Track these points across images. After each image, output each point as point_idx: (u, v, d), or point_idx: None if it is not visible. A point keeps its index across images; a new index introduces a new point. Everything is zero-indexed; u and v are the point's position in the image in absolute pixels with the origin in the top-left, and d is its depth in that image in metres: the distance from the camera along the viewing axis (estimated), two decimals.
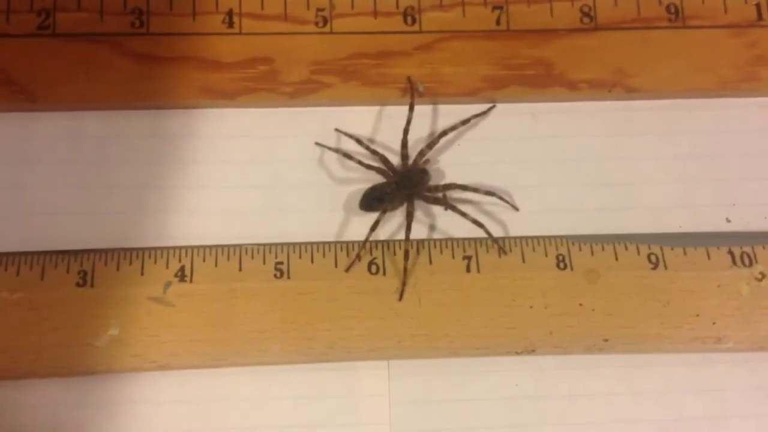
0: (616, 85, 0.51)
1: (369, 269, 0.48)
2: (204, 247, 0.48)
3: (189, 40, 0.50)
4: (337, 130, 0.51)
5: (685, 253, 0.49)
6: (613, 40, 0.52)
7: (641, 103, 0.52)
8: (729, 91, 0.52)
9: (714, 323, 0.47)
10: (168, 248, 0.47)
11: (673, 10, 0.52)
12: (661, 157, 0.51)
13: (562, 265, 0.48)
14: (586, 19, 0.52)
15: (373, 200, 0.48)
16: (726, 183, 0.51)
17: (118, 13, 0.50)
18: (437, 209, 0.50)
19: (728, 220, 0.50)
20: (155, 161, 0.50)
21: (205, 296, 0.46)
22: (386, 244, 0.48)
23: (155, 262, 0.47)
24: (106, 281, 0.46)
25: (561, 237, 0.49)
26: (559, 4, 0.52)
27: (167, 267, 0.47)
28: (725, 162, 0.51)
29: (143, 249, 0.47)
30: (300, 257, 0.48)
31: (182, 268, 0.47)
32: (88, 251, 0.47)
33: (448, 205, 0.49)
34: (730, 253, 0.49)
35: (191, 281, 0.47)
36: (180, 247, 0.47)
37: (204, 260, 0.47)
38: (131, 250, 0.47)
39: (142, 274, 0.47)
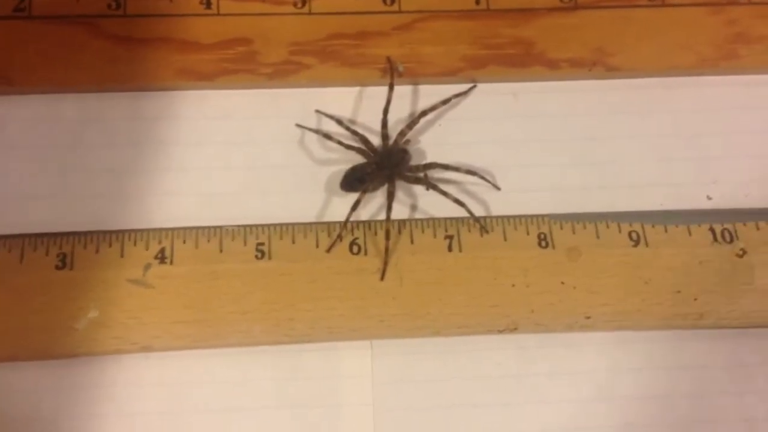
0: (597, 64, 0.51)
1: (350, 249, 0.48)
2: (184, 228, 0.47)
3: (166, 22, 0.50)
4: (317, 111, 0.51)
5: (666, 231, 0.49)
6: (594, 18, 0.52)
7: (621, 81, 0.52)
8: (708, 69, 0.52)
9: (695, 300, 0.47)
10: (148, 230, 0.47)
11: None
12: (642, 135, 0.51)
13: (543, 243, 0.48)
14: None
15: (354, 180, 0.48)
16: (706, 161, 0.51)
17: None
18: (418, 189, 0.50)
19: (709, 198, 0.51)
20: (134, 144, 0.49)
21: (186, 278, 0.46)
22: (367, 224, 0.48)
23: (135, 244, 0.47)
24: (85, 264, 0.46)
25: (543, 216, 0.49)
26: None
27: (147, 249, 0.47)
28: (705, 140, 0.52)
29: (123, 231, 0.47)
30: (281, 238, 0.47)
31: (162, 250, 0.47)
32: (68, 234, 0.47)
33: (429, 185, 0.49)
34: (711, 230, 0.49)
35: (171, 263, 0.46)
36: (160, 229, 0.47)
37: (184, 242, 0.47)
38: (111, 232, 0.47)
39: (122, 256, 0.46)
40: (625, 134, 0.51)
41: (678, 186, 0.51)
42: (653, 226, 0.49)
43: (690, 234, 0.49)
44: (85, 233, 0.47)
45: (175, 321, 0.45)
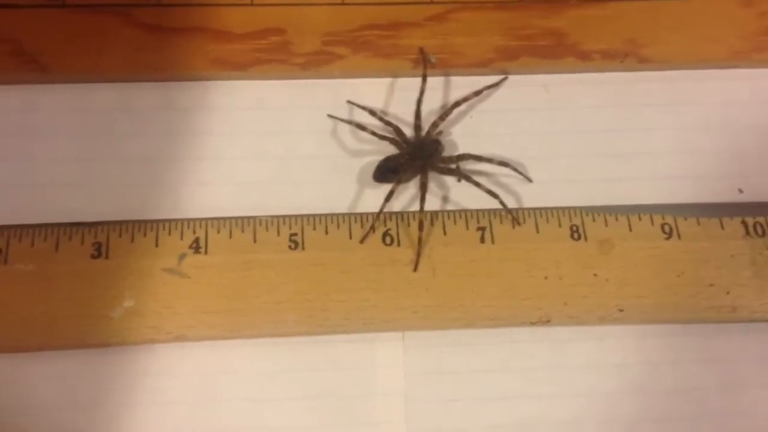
0: (629, 55, 0.51)
1: (383, 240, 0.47)
2: (218, 219, 0.47)
3: (200, 11, 0.50)
4: (349, 101, 0.50)
5: (698, 224, 0.48)
6: (626, 10, 0.52)
7: (653, 73, 0.52)
8: (740, 61, 0.52)
9: (728, 293, 0.47)
10: (182, 220, 0.47)
11: None
12: (673, 127, 0.51)
13: (576, 235, 0.48)
14: None
15: (387, 171, 0.48)
16: (738, 154, 0.51)
17: None
18: (450, 181, 0.50)
19: (741, 191, 0.50)
20: (167, 133, 0.49)
21: (220, 268, 0.46)
22: (400, 215, 0.48)
23: (169, 234, 0.47)
24: (120, 253, 0.46)
25: (574, 207, 0.49)
26: None
27: (182, 239, 0.47)
28: (737, 133, 0.51)
29: (157, 221, 0.47)
30: (314, 229, 0.47)
31: (197, 240, 0.47)
32: (103, 223, 0.47)
33: (462, 176, 0.48)
34: (743, 223, 0.49)
35: (206, 253, 0.46)
36: (194, 219, 0.47)
37: (218, 232, 0.47)
38: (145, 222, 0.47)
39: (156, 245, 0.46)
40: (657, 126, 0.51)
41: (710, 179, 0.50)
42: (686, 219, 0.49)
43: (722, 227, 0.49)
44: (120, 222, 0.47)
45: (209, 311, 0.45)
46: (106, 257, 0.46)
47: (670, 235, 0.48)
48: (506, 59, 0.51)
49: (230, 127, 0.50)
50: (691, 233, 0.48)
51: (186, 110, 0.50)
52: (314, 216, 0.48)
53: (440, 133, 0.50)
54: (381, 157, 0.49)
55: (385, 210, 0.47)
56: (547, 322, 0.47)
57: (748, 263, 0.48)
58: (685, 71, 0.52)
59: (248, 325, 0.46)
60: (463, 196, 0.49)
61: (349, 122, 0.50)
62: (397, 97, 0.51)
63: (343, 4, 0.51)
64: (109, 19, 0.49)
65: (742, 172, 0.51)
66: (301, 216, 0.48)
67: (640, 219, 0.49)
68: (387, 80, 0.51)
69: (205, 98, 0.50)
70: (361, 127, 0.49)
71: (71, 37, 0.49)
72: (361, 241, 0.47)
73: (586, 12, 0.51)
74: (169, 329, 0.45)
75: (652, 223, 0.49)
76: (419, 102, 0.49)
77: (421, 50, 0.50)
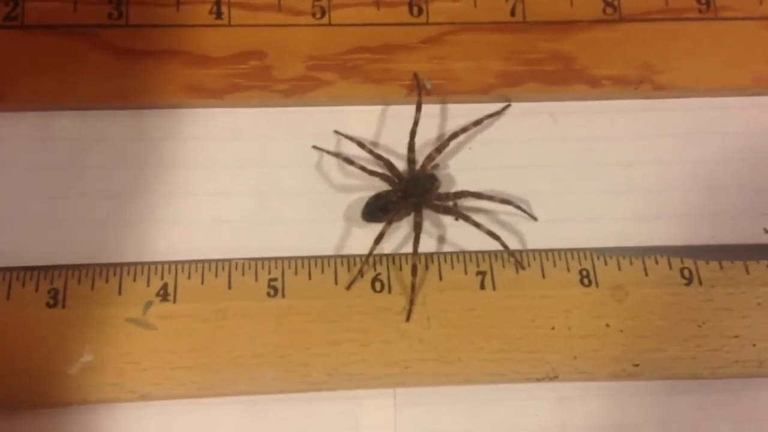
0: (643, 81, 0.49)
1: (372, 286, 0.45)
2: (189, 262, 0.45)
3: (172, 33, 0.48)
4: (336, 131, 0.48)
5: (721, 267, 0.46)
6: (639, 32, 0.50)
7: (670, 101, 0.50)
8: (764, 89, 0.50)
9: (754, 345, 0.45)
10: (149, 264, 0.45)
11: (704, 0, 0.50)
12: (693, 160, 0.49)
13: (586, 281, 0.46)
14: (609, 10, 0.50)
15: (377, 210, 0.46)
16: (763, 189, 0.49)
17: (93, 3, 0.48)
18: (447, 219, 0.47)
19: (766, 231, 0.48)
20: (135, 166, 0.47)
21: (190, 317, 0.44)
22: (392, 258, 0.46)
23: (134, 280, 0.44)
24: (79, 301, 0.44)
25: (584, 249, 0.47)
26: None
27: (148, 285, 0.44)
28: (762, 166, 0.49)
29: (121, 264, 0.45)
30: (296, 273, 0.45)
31: (165, 286, 0.44)
32: (60, 267, 0.45)
33: (460, 215, 0.46)
34: None
35: (175, 301, 0.44)
36: (162, 263, 0.45)
37: (189, 277, 0.45)
38: (108, 266, 0.45)
39: (119, 293, 0.44)
40: (674, 159, 0.49)
41: (733, 217, 0.48)
42: (707, 263, 0.46)
43: (747, 271, 0.46)
44: (80, 267, 0.45)
45: (178, 366, 0.43)
46: (63, 306, 0.44)
47: (690, 281, 0.46)
48: (509, 85, 0.49)
49: (205, 159, 0.48)
50: (713, 278, 0.46)
51: (156, 140, 0.48)
52: (296, 259, 0.46)
53: (436, 166, 0.48)
54: (371, 194, 0.47)
55: (374, 252, 0.45)
56: (554, 377, 0.44)
57: None
58: (705, 99, 0.50)
59: (221, 382, 0.43)
60: (462, 235, 0.47)
61: (336, 155, 0.48)
62: (389, 126, 0.49)
63: (329, 25, 0.49)
64: (74, 41, 0.47)
65: (767, 209, 0.48)
66: (282, 259, 0.46)
67: (656, 262, 0.46)
68: (378, 108, 0.49)
69: (178, 127, 0.48)
70: (349, 161, 0.47)
71: (32, 61, 0.47)
72: (348, 288, 0.45)
73: (596, 34, 0.49)
74: (133, 387, 0.43)
75: (670, 267, 0.46)
76: (413, 133, 0.47)
77: (416, 75, 0.48)
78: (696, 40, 0.49)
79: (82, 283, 0.44)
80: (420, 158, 0.47)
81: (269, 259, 0.45)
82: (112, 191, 0.46)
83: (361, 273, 0.45)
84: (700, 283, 0.46)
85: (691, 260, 0.46)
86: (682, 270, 0.46)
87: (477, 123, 0.48)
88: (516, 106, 0.49)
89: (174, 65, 0.47)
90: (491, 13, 0.49)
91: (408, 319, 0.44)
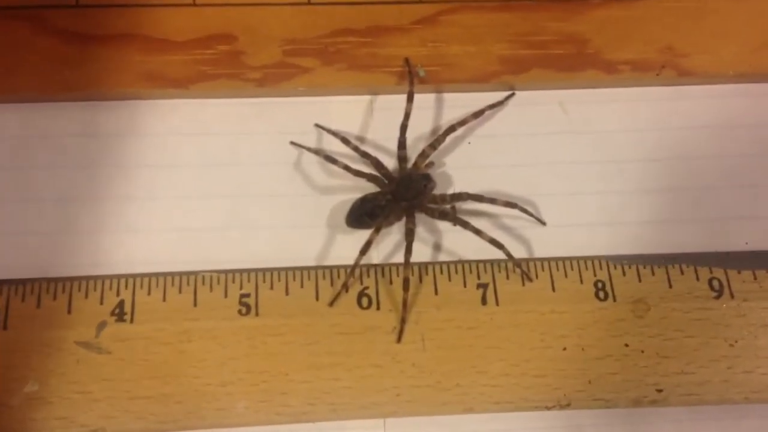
0: (666, 66, 0.47)
1: (359, 302, 0.43)
2: (149, 275, 0.43)
3: (129, 13, 0.46)
4: (317, 125, 0.47)
5: (755, 278, 0.45)
6: (662, 9, 0.48)
7: (697, 89, 0.48)
8: None
9: None
10: (103, 278, 0.43)
11: None
12: (723, 155, 0.47)
13: (602, 294, 0.44)
14: None
15: (364, 215, 0.44)
16: None
17: None
18: (444, 224, 0.46)
19: None
20: (88, 166, 0.45)
21: (150, 340, 0.42)
22: (380, 269, 0.44)
23: (86, 297, 0.43)
24: (22, 322, 0.42)
25: (600, 258, 0.45)
26: None
27: (101, 303, 0.42)
28: None
29: (71, 279, 0.43)
30: (271, 288, 0.43)
31: (121, 304, 0.42)
32: (1, 282, 0.43)
33: (458, 221, 0.44)
34: None
35: (132, 321, 0.42)
36: (119, 277, 0.43)
37: (149, 293, 0.43)
38: (56, 280, 0.43)
39: (69, 312, 0.42)
40: (702, 154, 0.47)
41: (767, 220, 0.46)
42: (739, 272, 0.45)
43: None
44: (24, 282, 0.43)
45: (135, 396, 0.41)
46: (4, 327, 0.42)
47: (720, 293, 0.44)
48: (513, 72, 0.47)
49: (167, 157, 0.46)
50: (746, 290, 0.44)
51: (112, 136, 0.46)
52: (272, 271, 0.44)
53: (431, 165, 0.46)
54: (357, 196, 0.45)
55: (361, 263, 0.43)
56: (566, 405, 0.42)
57: None
58: (737, 86, 0.48)
59: (186, 414, 0.41)
60: (460, 243, 0.45)
61: (317, 152, 0.46)
62: (378, 119, 0.47)
63: (309, 3, 0.47)
64: (18, 25, 0.46)
65: None
66: (256, 271, 0.44)
67: (682, 273, 0.45)
68: (365, 98, 0.48)
69: (136, 122, 0.46)
70: (332, 159, 0.45)
71: None
72: (331, 304, 0.43)
73: (612, 12, 0.48)
74: (84, 420, 0.41)
75: (697, 278, 0.45)
76: (404, 128, 0.45)
77: (407, 61, 0.47)
78: (727, 18, 0.48)
79: (26, 301, 0.42)
80: (412, 155, 0.46)
81: (241, 271, 0.44)
82: (61, 195, 0.45)
83: (345, 287, 0.43)
84: (732, 295, 0.44)
85: (721, 270, 0.45)
86: (710, 281, 0.44)
87: (477, 115, 0.46)
88: (521, 95, 0.48)
89: (131, 51, 0.46)
90: None
91: (399, 339, 0.43)
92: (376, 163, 0.45)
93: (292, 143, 0.46)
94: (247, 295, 0.43)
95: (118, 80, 0.45)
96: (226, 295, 0.43)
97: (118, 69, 0.45)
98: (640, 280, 0.44)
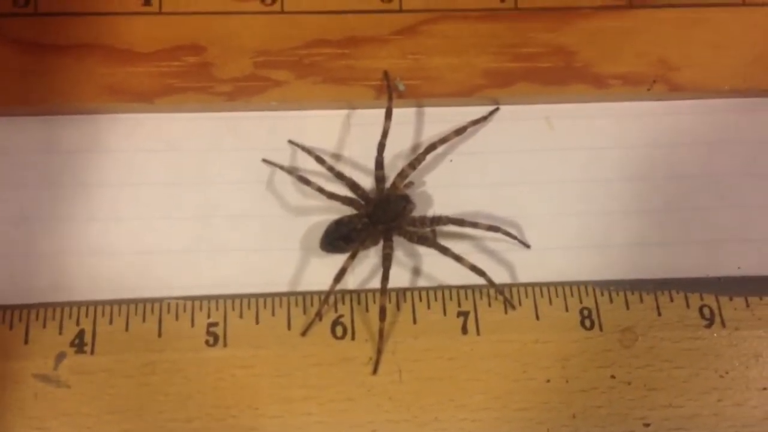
0: (657, 81, 0.47)
1: (333, 332, 0.43)
2: (111, 302, 0.42)
3: (90, 22, 0.45)
4: (291, 142, 0.46)
5: (747, 305, 0.44)
6: (653, 21, 0.47)
7: (689, 104, 0.48)
8: None
9: None
10: (62, 305, 0.42)
11: None
12: (716, 174, 0.47)
13: (588, 322, 0.43)
14: None
15: (339, 239, 0.43)
16: None
17: None
18: (424, 247, 0.44)
19: None
20: (47, 185, 0.44)
21: (111, 372, 0.41)
22: (356, 296, 0.43)
23: (44, 326, 0.42)
24: None
25: (586, 283, 0.44)
26: None
27: (60, 332, 0.42)
28: None
29: (29, 307, 0.42)
30: (241, 316, 0.42)
31: (81, 334, 0.42)
32: None
33: (437, 247, 0.43)
34: None
35: (92, 352, 0.41)
36: (79, 304, 0.42)
37: (111, 322, 0.42)
38: (12, 308, 0.42)
39: (26, 342, 0.41)
40: (694, 173, 0.46)
41: (761, 243, 0.46)
42: (731, 299, 0.44)
43: None
44: None
45: None
46: None
47: (711, 322, 0.44)
48: (498, 86, 0.46)
49: (132, 175, 0.45)
50: (738, 318, 0.44)
51: (73, 153, 0.45)
52: (241, 297, 0.43)
53: (410, 185, 0.45)
54: (333, 217, 0.44)
55: (336, 290, 0.42)
56: None
57: None
58: (731, 100, 0.47)
59: None
60: (440, 267, 0.44)
61: (290, 172, 0.45)
62: (355, 134, 0.46)
63: (282, 12, 0.46)
64: None
65: None
66: (224, 297, 0.43)
67: (671, 300, 0.44)
68: (341, 113, 0.47)
69: (99, 137, 0.45)
70: (305, 180, 0.44)
71: None
72: (304, 333, 0.42)
73: (602, 24, 0.47)
74: None
75: (688, 306, 0.44)
76: (381, 147, 0.44)
77: (386, 75, 0.46)
78: (721, 31, 0.47)
79: None
80: (391, 174, 0.45)
81: (209, 298, 0.43)
82: (19, 215, 0.44)
83: (319, 315, 0.43)
84: (723, 324, 0.44)
85: (713, 296, 0.44)
86: (701, 308, 0.44)
87: (459, 131, 0.45)
88: (505, 110, 0.47)
89: (93, 62, 0.45)
90: None
91: (375, 371, 0.42)
92: (352, 185, 0.44)
93: (264, 161, 0.45)
94: (215, 324, 0.42)
95: (79, 93, 0.44)
96: (192, 324, 0.42)
97: (79, 81, 0.44)
98: (628, 308, 0.43)
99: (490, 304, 0.43)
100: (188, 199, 0.45)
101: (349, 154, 0.46)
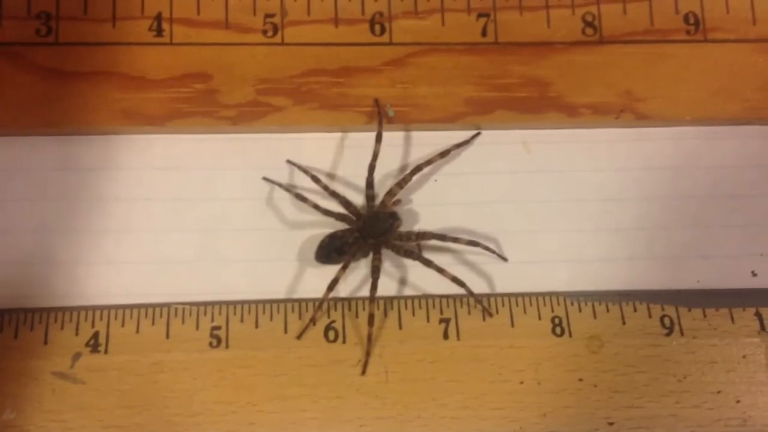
0: (624, 110, 0.48)
1: (326, 335, 0.44)
2: (123, 307, 0.44)
3: (107, 51, 0.47)
4: (289, 161, 0.47)
5: (704, 316, 0.46)
6: (621, 56, 0.49)
7: (654, 131, 0.49)
8: (757, 118, 0.49)
9: (738, 401, 0.44)
10: (78, 309, 0.44)
11: (692, 20, 0.49)
12: (678, 196, 0.48)
13: (558, 330, 0.45)
14: (589, 30, 0.49)
15: (332, 251, 0.45)
16: (753, 228, 0.48)
17: (20, 18, 0.46)
18: (409, 260, 0.46)
19: (755, 274, 0.47)
20: (64, 199, 0.46)
21: (123, 371, 0.43)
22: (347, 303, 0.45)
23: (62, 328, 0.44)
24: (1, 352, 0.43)
25: (558, 294, 0.46)
26: (558, 12, 0.49)
27: (77, 334, 0.43)
28: (753, 203, 0.48)
29: (48, 310, 0.44)
30: (242, 321, 0.44)
31: (95, 336, 0.43)
32: None
33: (421, 260, 0.45)
34: (758, 315, 0.46)
35: (106, 352, 0.43)
36: (93, 308, 0.44)
37: (123, 325, 0.44)
38: (32, 311, 0.44)
39: (45, 342, 0.43)
40: (658, 195, 0.48)
41: (719, 259, 0.47)
42: (689, 310, 0.46)
43: (733, 320, 0.46)
44: (2, 313, 0.44)
45: (109, 425, 0.42)
46: None
47: (670, 330, 0.45)
48: (479, 113, 0.48)
49: (142, 191, 0.46)
50: (695, 328, 0.46)
51: (88, 170, 0.46)
52: (242, 304, 0.45)
53: (398, 202, 0.47)
54: (327, 231, 0.46)
55: (329, 297, 0.44)
56: None
57: (763, 365, 0.45)
58: (692, 128, 0.49)
59: None
60: (424, 278, 0.46)
61: (288, 189, 0.47)
62: (348, 156, 0.48)
63: (282, 44, 0.48)
64: None
65: (756, 250, 0.48)
66: (227, 304, 0.45)
67: (635, 310, 0.46)
68: (335, 136, 0.48)
69: (112, 156, 0.47)
70: (302, 197, 0.46)
71: None
72: (299, 337, 0.44)
73: (574, 57, 0.48)
74: None
75: (650, 315, 0.46)
76: (371, 168, 0.46)
77: (377, 102, 0.47)
78: (683, 65, 0.49)
79: (4, 332, 0.43)
80: (380, 193, 0.47)
81: (212, 303, 0.45)
82: (38, 227, 0.45)
83: (313, 321, 0.44)
84: (682, 333, 0.45)
85: (673, 307, 0.46)
86: (662, 318, 0.45)
87: (443, 154, 0.47)
88: (486, 135, 0.48)
89: (108, 88, 0.46)
90: (460, 33, 0.48)
91: (364, 372, 0.44)
92: (345, 202, 0.46)
93: (265, 179, 0.46)
94: (218, 328, 0.44)
95: (95, 116, 0.46)
96: (197, 328, 0.44)
97: (95, 105, 0.46)
98: (595, 317, 0.45)
99: (469, 312, 0.45)
100: (194, 214, 0.46)
101: (343, 174, 0.47)
